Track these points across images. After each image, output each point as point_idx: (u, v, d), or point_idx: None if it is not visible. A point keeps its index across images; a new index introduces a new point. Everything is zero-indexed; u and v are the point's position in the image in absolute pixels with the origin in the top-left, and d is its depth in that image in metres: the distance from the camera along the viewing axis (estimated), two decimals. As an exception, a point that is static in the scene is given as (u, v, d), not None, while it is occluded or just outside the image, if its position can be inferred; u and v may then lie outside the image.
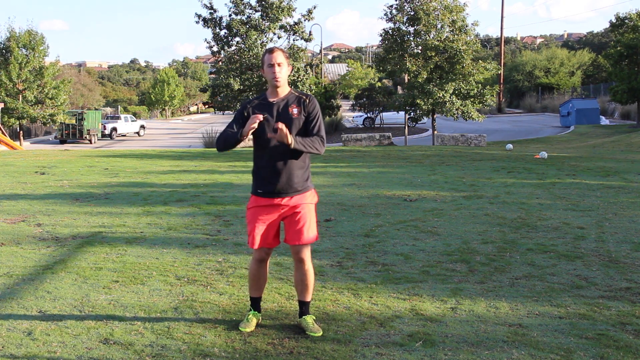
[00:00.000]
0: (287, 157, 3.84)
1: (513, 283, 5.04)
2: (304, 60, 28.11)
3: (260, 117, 3.76)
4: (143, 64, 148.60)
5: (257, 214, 3.92)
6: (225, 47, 26.93)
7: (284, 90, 3.92)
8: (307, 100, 3.92)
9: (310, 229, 3.93)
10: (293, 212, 3.90)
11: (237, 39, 26.58)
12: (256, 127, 3.75)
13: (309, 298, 4.09)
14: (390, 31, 26.71)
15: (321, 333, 3.93)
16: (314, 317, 4.12)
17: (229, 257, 5.87)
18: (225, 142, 3.91)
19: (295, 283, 4.10)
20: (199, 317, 4.25)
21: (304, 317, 4.05)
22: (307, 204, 3.94)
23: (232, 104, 27.16)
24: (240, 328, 3.98)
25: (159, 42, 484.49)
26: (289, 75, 4.03)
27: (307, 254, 3.96)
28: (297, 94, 3.95)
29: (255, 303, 4.15)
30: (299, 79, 25.87)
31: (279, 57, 3.82)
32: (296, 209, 3.89)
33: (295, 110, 3.86)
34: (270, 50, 3.85)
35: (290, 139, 3.72)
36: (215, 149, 10.23)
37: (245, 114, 3.89)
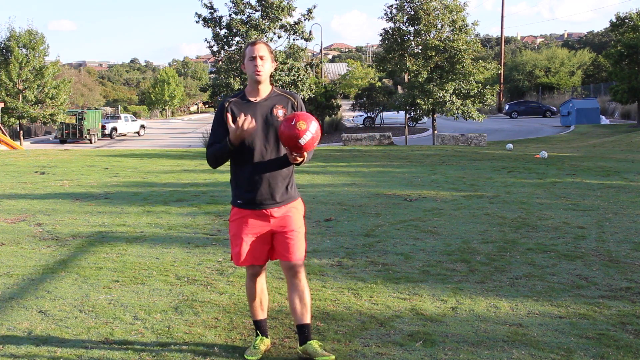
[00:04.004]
0: (272, 167, 3.44)
1: (513, 283, 5.04)
2: (304, 60, 28.09)
3: (249, 118, 3.31)
4: (143, 64, 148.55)
5: (241, 226, 3.49)
6: (226, 47, 26.91)
7: (265, 88, 3.50)
8: (296, 102, 3.52)
9: (302, 245, 3.53)
10: (282, 227, 3.48)
11: (237, 38, 26.55)
12: (249, 130, 3.32)
13: (309, 319, 3.58)
14: (390, 31, 26.71)
15: (333, 357, 3.50)
16: (320, 342, 3.64)
17: (229, 257, 5.86)
18: (216, 159, 3.47)
19: (291, 305, 3.57)
20: (199, 317, 4.25)
21: (308, 342, 3.56)
22: (297, 218, 3.54)
23: (232, 104, 27.11)
24: (246, 356, 3.54)
25: (164, 42, 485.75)
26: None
27: (301, 269, 3.53)
28: (280, 92, 3.54)
29: (261, 327, 3.68)
30: (299, 79, 25.86)
31: (262, 50, 3.42)
32: (285, 223, 3.48)
33: (280, 113, 3.44)
34: (253, 43, 3.45)
35: (306, 156, 3.39)
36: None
37: (227, 116, 3.43)
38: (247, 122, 3.31)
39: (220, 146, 3.41)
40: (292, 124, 3.26)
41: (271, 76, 3.60)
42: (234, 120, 3.39)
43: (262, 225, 3.49)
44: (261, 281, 3.63)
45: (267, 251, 3.56)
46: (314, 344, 3.54)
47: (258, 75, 3.42)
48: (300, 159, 3.39)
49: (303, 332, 3.56)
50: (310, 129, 3.27)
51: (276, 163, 3.46)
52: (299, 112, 3.41)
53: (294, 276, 3.53)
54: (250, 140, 3.42)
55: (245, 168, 3.45)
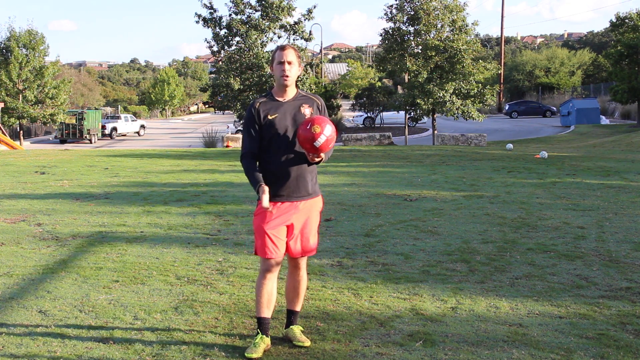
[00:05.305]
0: (300, 161, 3.63)
1: (513, 283, 5.04)
2: (304, 60, 28.11)
3: (268, 205, 3.50)
4: (143, 64, 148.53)
5: (267, 219, 3.61)
6: (225, 47, 26.92)
7: (292, 90, 3.71)
8: (320, 104, 3.75)
9: (314, 241, 3.75)
10: (301, 221, 3.67)
11: (237, 38, 26.57)
12: (268, 207, 3.51)
13: (299, 307, 3.89)
14: (390, 31, 26.72)
15: (309, 343, 3.75)
16: (302, 328, 3.91)
17: (229, 257, 5.87)
18: (247, 173, 3.66)
19: (287, 290, 3.86)
20: (199, 317, 4.25)
21: (291, 327, 3.85)
22: (315, 213, 3.74)
23: (232, 104, 27.19)
24: (246, 354, 3.59)
25: (165, 42, 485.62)
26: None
27: (304, 261, 3.81)
28: (306, 94, 3.77)
29: (264, 325, 3.72)
30: (299, 79, 25.89)
31: (290, 55, 3.61)
32: (304, 218, 3.68)
33: (307, 111, 3.66)
34: (282, 47, 3.63)
35: (323, 156, 3.59)
36: (214, 149, 10.13)
37: (256, 117, 3.64)
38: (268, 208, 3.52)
39: (252, 180, 3.59)
40: (308, 127, 3.49)
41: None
42: (263, 117, 3.63)
43: (286, 218, 3.64)
44: (273, 280, 3.70)
45: (286, 244, 3.68)
46: (296, 329, 3.84)
47: (285, 79, 3.63)
48: (317, 159, 3.61)
49: (290, 317, 3.89)
50: (324, 132, 3.49)
51: (304, 157, 3.64)
52: (315, 116, 3.63)
53: (296, 267, 3.80)
54: (280, 136, 3.61)
55: (274, 163, 3.63)
